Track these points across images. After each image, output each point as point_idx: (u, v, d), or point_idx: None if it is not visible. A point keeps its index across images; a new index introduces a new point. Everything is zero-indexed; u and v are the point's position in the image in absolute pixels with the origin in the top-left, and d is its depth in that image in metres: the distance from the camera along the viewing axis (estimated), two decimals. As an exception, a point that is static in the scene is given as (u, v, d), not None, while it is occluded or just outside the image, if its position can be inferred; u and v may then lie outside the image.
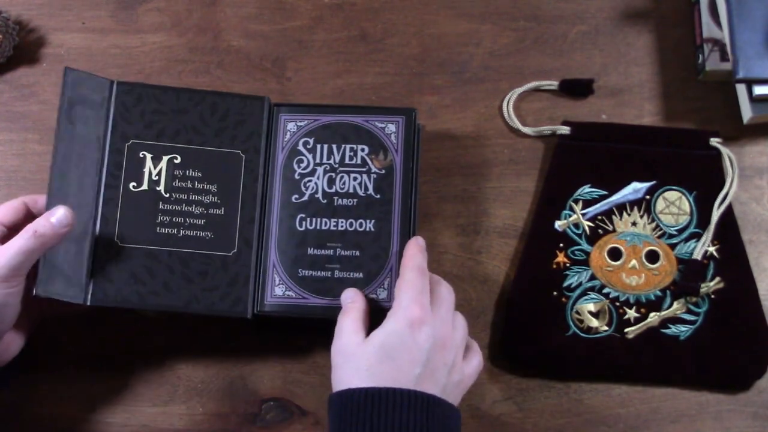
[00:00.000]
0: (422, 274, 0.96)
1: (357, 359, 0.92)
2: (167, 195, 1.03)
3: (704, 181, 1.11)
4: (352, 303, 0.99)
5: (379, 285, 1.01)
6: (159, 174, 1.03)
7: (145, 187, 1.03)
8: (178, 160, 1.04)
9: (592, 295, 1.08)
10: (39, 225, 0.95)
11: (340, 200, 1.04)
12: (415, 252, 0.98)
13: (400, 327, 0.92)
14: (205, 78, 1.18)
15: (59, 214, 0.96)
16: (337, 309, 1.00)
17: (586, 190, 1.11)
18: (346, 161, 1.05)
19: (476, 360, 0.98)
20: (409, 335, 0.92)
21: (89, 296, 1.00)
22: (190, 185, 1.03)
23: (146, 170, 1.03)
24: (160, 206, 1.03)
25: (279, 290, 1.02)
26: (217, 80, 1.18)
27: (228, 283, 1.01)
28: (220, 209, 1.03)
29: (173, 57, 1.19)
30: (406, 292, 0.94)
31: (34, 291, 0.97)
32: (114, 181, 1.03)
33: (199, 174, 1.04)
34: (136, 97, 1.05)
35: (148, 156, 1.04)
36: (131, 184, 1.03)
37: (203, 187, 1.04)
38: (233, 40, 1.20)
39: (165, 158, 1.04)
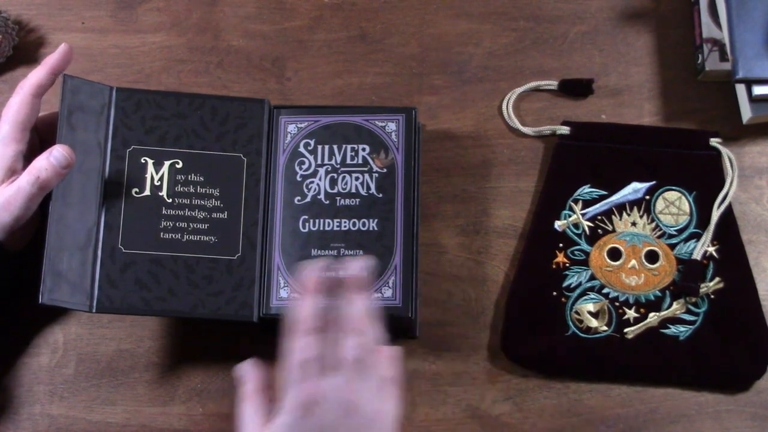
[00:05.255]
0: (306, 333, 0.85)
1: None
2: (170, 200, 1.03)
3: (704, 181, 1.11)
4: (250, 384, 0.87)
5: (384, 284, 1.02)
6: (161, 179, 1.03)
7: (147, 192, 1.03)
8: (179, 165, 1.04)
9: (592, 295, 1.08)
10: (41, 170, 0.98)
11: (342, 200, 1.04)
12: (300, 307, 0.88)
13: (293, 418, 0.82)
14: (204, 78, 1.18)
15: (56, 152, 0.98)
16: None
17: (585, 190, 1.11)
18: (348, 161, 1.06)
19: (390, 397, 0.87)
20: (306, 421, 0.81)
21: (94, 303, 1.00)
22: (192, 190, 1.03)
23: (148, 176, 1.03)
24: (163, 211, 1.03)
25: (284, 292, 1.02)
26: (217, 80, 1.18)
27: (233, 286, 1.02)
28: (223, 213, 1.03)
29: (173, 57, 1.19)
30: (289, 370, 0.84)
31: (39, 299, 0.98)
32: (116, 187, 1.03)
33: (201, 178, 1.04)
34: (136, 103, 1.05)
35: (150, 161, 1.04)
36: (134, 190, 1.03)
37: (206, 191, 1.04)
38: (233, 40, 1.20)
39: (167, 163, 1.04)
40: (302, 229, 1.04)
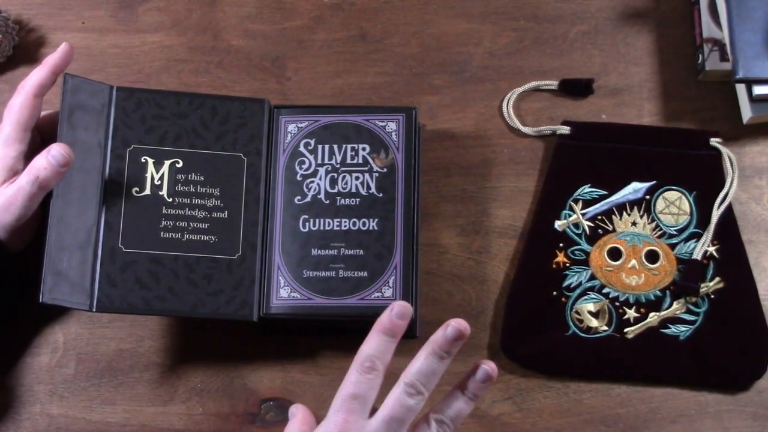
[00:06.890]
0: (364, 371, 0.87)
1: None
2: (170, 199, 1.03)
3: (704, 181, 1.11)
4: (296, 418, 0.95)
5: (384, 283, 1.02)
6: (161, 179, 1.03)
7: (147, 192, 1.03)
8: (180, 165, 1.04)
9: (592, 295, 1.08)
10: (41, 169, 0.97)
11: (342, 200, 1.04)
12: (368, 343, 0.90)
13: None
14: (204, 78, 1.18)
15: (54, 151, 0.97)
16: (343, 308, 1.01)
17: (585, 190, 1.11)
18: (348, 161, 1.06)
19: None
20: None
21: (94, 302, 1.00)
22: (192, 189, 1.04)
23: (148, 175, 1.03)
24: (164, 211, 1.03)
25: (284, 292, 1.02)
26: (217, 80, 1.18)
27: (233, 286, 1.02)
28: (224, 213, 1.03)
29: (173, 57, 1.19)
30: (337, 396, 0.88)
31: (40, 298, 0.97)
32: (116, 186, 1.03)
33: (202, 178, 1.04)
34: (136, 102, 1.05)
35: (150, 161, 1.04)
36: (134, 190, 1.03)
37: (206, 190, 1.04)
38: (233, 40, 1.20)
39: (167, 163, 1.04)
40: (302, 229, 1.04)
